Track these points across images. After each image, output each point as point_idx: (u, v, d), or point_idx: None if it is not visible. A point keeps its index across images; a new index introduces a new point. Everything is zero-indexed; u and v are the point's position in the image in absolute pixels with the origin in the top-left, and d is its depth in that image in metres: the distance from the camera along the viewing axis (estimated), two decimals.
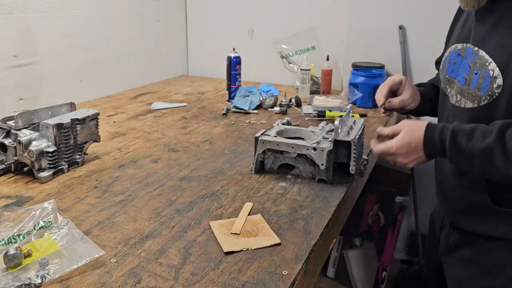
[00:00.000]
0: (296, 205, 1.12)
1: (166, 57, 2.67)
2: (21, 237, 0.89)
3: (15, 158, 1.25)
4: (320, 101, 2.04)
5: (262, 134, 1.31)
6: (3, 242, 0.87)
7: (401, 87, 1.25)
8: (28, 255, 0.85)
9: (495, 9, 0.99)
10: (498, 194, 1.01)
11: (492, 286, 1.05)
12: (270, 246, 0.94)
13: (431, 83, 1.34)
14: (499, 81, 0.95)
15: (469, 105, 1.03)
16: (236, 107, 1.97)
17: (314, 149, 1.22)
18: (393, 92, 1.27)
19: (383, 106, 1.25)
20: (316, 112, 1.84)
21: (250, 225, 1.02)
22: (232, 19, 2.64)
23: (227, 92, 2.12)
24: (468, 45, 1.05)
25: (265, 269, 0.86)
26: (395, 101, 1.24)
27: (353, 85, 2.06)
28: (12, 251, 0.83)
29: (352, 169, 1.23)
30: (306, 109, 1.92)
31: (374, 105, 2.03)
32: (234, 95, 2.07)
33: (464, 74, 1.03)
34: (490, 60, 0.97)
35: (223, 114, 1.92)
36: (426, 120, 1.07)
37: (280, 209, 1.10)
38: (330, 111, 1.83)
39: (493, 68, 0.96)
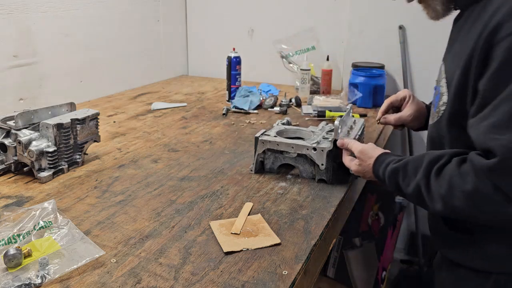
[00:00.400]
0: (296, 205, 1.12)
1: (166, 57, 2.67)
2: (21, 237, 0.89)
3: (15, 158, 1.25)
4: (320, 101, 2.04)
5: (262, 134, 1.31)
6: (3, 242, 0.87)
7: (404, 104, 1.27)
8: (28, 255, 0.85)
9: (457, 22, 0.99)
10: (451, 219, 0.99)
11: None
12: (270, 246, 0.94)
13: None
14: (445, 98, 0.95)
15: (430, 121, 1.05)
16: (236, 107, 1.97)
17: (314, 149, 1.22)
18: (398, 107, 1.30)
19: (378, 121, 1.31)
20: (316, 112, 1.84)
21: (250, 225, 1.02)
22: (232, 19, 2.64)
23: (227, 92, 2.12)
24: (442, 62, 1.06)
25: (265, 269, 0.86)
26: (390, 118, 1.27)
27: (353, 85, 2.06)
28: (12, 251, 0.83)
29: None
30: (306, 109, 1.92)
31: (374, 105, 2.03)
32: (234, 95, 2.07)
33: (434, 92, 1.05)
34: (444, 75, 0.97)
35: (223, 114, 1.92)
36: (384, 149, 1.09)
37: (280, 209, 1.10)
38: (330, 111, 1.83)
39: (443, 84, 0.96)
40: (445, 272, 1.05)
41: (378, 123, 1.33)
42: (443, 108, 0.96)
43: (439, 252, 1.10)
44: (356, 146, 1.13)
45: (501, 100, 0.78)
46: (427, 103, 1.27)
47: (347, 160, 1.17)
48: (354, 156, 1.14)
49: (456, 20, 1.02)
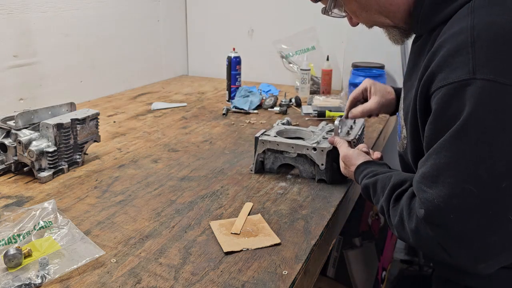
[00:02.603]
0: (296, 205, 1.12)
1: (166, 57, 2.67)
2: (21, 237, 0.90)
3: (15, 158, 1.25)
4: (320, 101, 2.04)
5: (262, 134, 1.31)
6: (3, 242, 0.87)
7: (368, 94, 1.27)
8: (28, 255, 0.85)
9: (417, 44, 0.96)
10: None
11: None
12: (270, 246, 0.94)
13: None
14: (404, 131, 0.95)
15: (397, 147, 1.05)
16: (236, 107, 1.97)
17: (314, 149, 1.22)
18: (365, 99, 1.29)
19: (346, 117, 1.30)
20: (316, 112, 1.84)
21: (250, 225, 1.02)
22: (232, 19, 2.64)
23: (227, 92, 2.12)
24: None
25: (265, 269, 0.86)
26: (356, 110, 1.27)
27: (353, 85, 2.05)
28: (12, 251, 0.83)
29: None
30: (306, 109, 1.92)
31: None
32: (234, 95, 2.07)
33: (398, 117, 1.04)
34: (402, 106, 0.97)
35: (223, 114, 1.92)
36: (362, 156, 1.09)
37: (280, 209, 1.10)
38: (330, 111, 1.84)
39: (401, 115, 0.96)
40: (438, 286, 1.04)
41: (346, 118, 1.31)
42: (405, 141, 0.95)
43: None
44: (342, 149, 1.14)
45: (432, 151, 0.77)
46: None
47: (341, 160, 1.18)
48: None
49: (413, 43, 1.00)
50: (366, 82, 1.28)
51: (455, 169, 0.73)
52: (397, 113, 1.03)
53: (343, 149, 1.14)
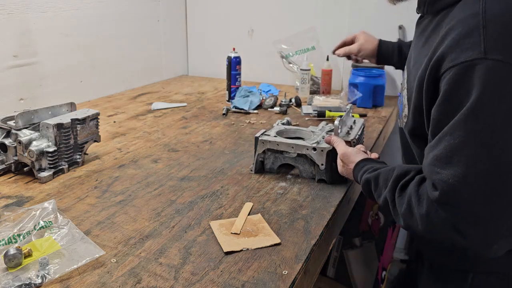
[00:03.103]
0: (296, 205, 1.12)
1: (166, 57, 2.67)
2: (21, 237, 0.90)
3: (15, 158, 1.25)
4: (320, 101, 2.04)
5: (262, 134, 1.31)
6: (3, 242, 0.87)
7: (356, 40, 1.53)
8: (28, 255, 0.85)
9: (419, 26, 1.00)
10: None
11: None
12: (270, 246, 0.94)
13: None
14: (406, 110, 0.98)
15: (400, 124, 1.10)
16: (236, 107, 1.97)
17: (314, 149, 1.22)
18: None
19: (333, 52, 1.60)
20: (316, 112, 1.84)
21: (250, 225, 1.02)
22: (232, 19, 2.64)
23: (227, 92, 2.12)
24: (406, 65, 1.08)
25: (265, 269, 0.86)
26: (339, 50, 1.56)
27: (353, 85, 2.05)
28: (12, 251, 0.83)
29: None
30: (306, 109, 1.91)
31: (374, 105, 2.03)
32: (234, 95, 2.07)
33: (399, 95, 1.10)
34: (406, 85, 1.00)
35: (223, 114, 1.92)
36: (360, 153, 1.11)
37: (280, 209, 1.10)
38: (330, 111, 1.83)
39: (405, 95, 0.99)
40: (425, 272, 1.07)
41: (333, 53, 1.61)
42: (405, 119, 0.99)
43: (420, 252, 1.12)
44: (340, 148, 1.15)
45: (444, 133, 0.79)
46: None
47: (338, 160, 1.18)
48: None
49: (418, 23, 1.04)
50: (354, 34, 1.51)
51: (469, 148, 0.75)
52: (399, 93, 1.07)
53: (341, 147, 1.15)
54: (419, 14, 1.04)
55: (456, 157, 0.76)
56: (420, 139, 0.95)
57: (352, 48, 1.45)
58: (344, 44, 1.52)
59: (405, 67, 1.05)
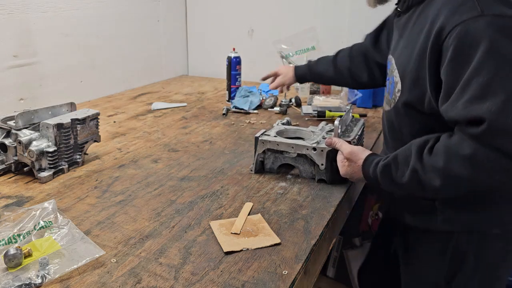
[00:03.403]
0: (296, 205, 1.12)
1: (166, 57, 2.67)
2: (21, 237, 0.90)
3: (15, 158, 1.25)
4: (320, 101, 2.04)
5: (262, 134, 1.31)
6: (4, 242, 0.87)
7: (278, 74, 1.78)
8: (28, 255, 0.85)
9: (404, 16, 1.10)
10: None
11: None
12: (270, 246, 0.94)
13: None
14: (399, 86, 1.06)
15: (387, 108, 1.16)
16: (236, 107, 1.97)
17: (314, 149, 1.22)
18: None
19: (263, 79, 1.86)
20: (316, 112, 1.84)
21: (250, 225, 1.02)
22: (232, 19, 2.64)
23: (227, 92, 2.12)
24: (389, 55, 1.17)
25: (265, 269, 0.86)
26: (270, 86, 1.80)
27: None
28: (12, 251, 0.83)
29: None
30: (306, 109, 1.92)
31: (374, 105, 2.03)
32: (234, 95, 2.07)
33: (387, 81, 1.17)
34: (395, 67, 1.08)
35: (223, 114, 1.92)
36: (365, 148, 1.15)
37: (280, 209, 1.10)
38: (330, 111, 1.84)
39: (396, 75, 1.07)
40: (411, 240, 1.17)
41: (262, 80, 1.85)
42: (398, 94, 1.07)
43: (401, 226, 1.20)
44: (345, 147, 1.15)
45: (468, 79, 0.86)
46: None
47: (339, 160, 1.19)
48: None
49: (396, 22, 1.15)
50: (278, 68, 1.79)
51: (500, 79, 0.83)
52: (387, 78, 1.16)
53: (346, 146, 1.15)
54: (396, 14, 1.16)
55: (490, 90, 0.83)
56: (412, 109, 1.04)
57: (277, 82, 1.75)
58: (269, 77, 1.80)
59: (389, 56, 1.16)
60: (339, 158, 1.18)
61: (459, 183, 0.91)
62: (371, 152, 1.12)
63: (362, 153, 1.11)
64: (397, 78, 1.07)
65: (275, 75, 1.78)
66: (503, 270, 1.11)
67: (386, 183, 1.02)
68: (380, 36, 1.46)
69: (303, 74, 1.70)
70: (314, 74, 1.66)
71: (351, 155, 1.12)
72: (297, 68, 1.71)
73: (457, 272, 1.08)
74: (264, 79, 1.82)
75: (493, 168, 0.86)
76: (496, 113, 0.82)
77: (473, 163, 0.87)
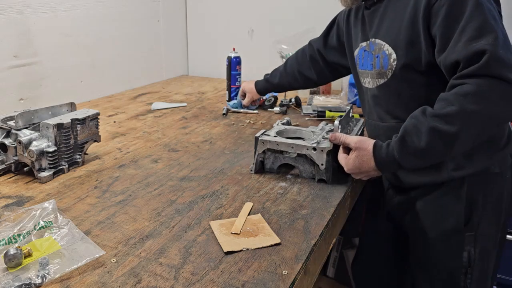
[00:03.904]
0: (296, 205, 1.12)
1: (166, 57, 2.67)
2: (21, 237, 0.90)
3: (16, 158, 1.25)
4: (320, 101, 2.04)
5: (262, 134, 1.31)
6: (3, 242, 0.87)
7: (245, 93, 1.92)
8: (28, 255, 0.85)
9: (380, 5, 1.23)
10: None
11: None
12: (270, 246, 0.94)
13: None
14: (393, 56, 1.18)
15: (381, 81, 1.24)
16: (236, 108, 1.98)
17: (314, 149, 1.22)
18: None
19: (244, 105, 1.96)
20: (316, 112, 1.84)
21: (250, 225, 1.02)
22: (232, 19, 2.64)
23: (227, 92, 2.12)
24: (369, 40, 1.27)
25: (265, 269, 0.86)
26: (244, 103, 1.93)
27: (352, 85, 2.06)
28: (12, 251, 0.83)
29: None
30: (306, 109, 1.92)
31: None
32: (234, 95, 2.07)
33: (371, 61, 1.26)
34: (384, 43, 1.20)
35: (223, 114, 1.92)
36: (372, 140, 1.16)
37: (280, 209, 1.10)
38: (330, 111, 1.84)
39: (387, 48, 1.19)
40: (419, 198, 1.24)
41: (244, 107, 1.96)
42: (394, 63, 1.18)
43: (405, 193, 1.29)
44: (351, 138, 1.17)
45: (465, 24, 1.02)
46: None
47: (340, 158, 1.19)
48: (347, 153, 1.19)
49: (368, 13, 1.27)
50: (242, 85, 1.94)
51: (489, 19, 1.01)
52: (377, 56, 1.25)
53: (353, 137, 1.16)
54: (365, 7, 1.28)
55: (485, 30, 1.00)
56: (410, 71, 1.16)
57: (248, 100, 1.91)
58: (243, 97, 1.94)
59: (369, 40, 1.27)
60: (342, 155, 1.18)
61: (477, 121, 1.02)
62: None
63: (369, 140, 1.14)
64: (389, 50, 1.19)
65: (244, 93, 1.93)
66: (506, 204, 1.23)
67: (405, 157, 1.07)
68: (328, 38, 1.62)
69: (263, 88, 1.86)
70: (272, 85, 1.82)
71: (360, 144, 1.13)
72: (257, 83, 1.87)
73: (472, 213, 1.18)
74: (245, 105, 1.95)
75: (500, 96, 0.99)
76: (495, 45, 0.98)
77: (480, 97, 0.99)
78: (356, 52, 1.36)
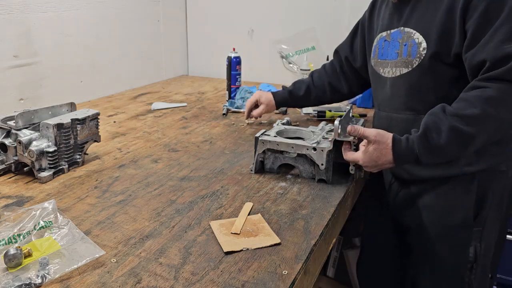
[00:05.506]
0: (296, 205, 1.12)
1: (166, 57, 2.67)
2: (21, 237, 0.90)
3: (16, 158, 1.25)
4: None
5: (262, 134, 1.31)
6: (4, 242, 0.87)
7: (259, 102, 1.70)
8: (29, 255, 0.85)
9: (408, 1, 1.24)
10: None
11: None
12: (270, 246, 0.94)
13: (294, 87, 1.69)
14: (424, 44, 1.18)
15: (404, 70, 1.24)
16: (237, 107, 1.98)
17: (314, 149, 1.22)
18: (257, 105, 1.72)
19: (247, 119, 1.79)
20: (316, 112, 1.84)
21: (250, 225, 1.02)
22: (232, 19, 2.64)
23: (227, 92, 2.12)
24: (392, 30, 1.28)
25: (265, 269, 0.86)
26: (254, 113, 1.71)
27: None
28: (12, 251, 0.83)
29: (352, 169, 1.23)
30: (306, 109, 1.92)
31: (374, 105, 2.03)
32: (234, 95, 2.07)
33: (396, 50, 1.26)
34: (414, 31, 1.21)
35: (223, 114, 1.92)
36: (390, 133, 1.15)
37: (280, 209, 1.10)
38: (330, 111, 1.84)
39: (418, 37, 1.20)
40: (429, 190, 1.25)
41: (247, 123, 1.79)
42: (424, 51, 1.18)
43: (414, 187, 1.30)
44: (370, 131, 1.15)
45: (498, 25, 1.03)
46: None
47: (352, 154, 1.18)
48: (354, 151, 1.19)
49: (398, 5, 1.27)
50: (256, 96, 1.70)
51: None
52: (405, 44, 1.25)
53: (371, 130, 1.15)
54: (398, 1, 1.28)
55: None
56: (438, 61, 1.16)
57: (262, 112, 1.70)
58: (250, 109, 1.71)
59: (399, 28, 1.26)
60: (348, 153, 1.18)
61: (494, 125, 1.05)
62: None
63: (387, 133, 1.13)
64: (419, 39, 1.19)
65: (257, 102, 1.72)
66: (506, 202, 1.26)
67: (425, 153, 1.08)
68: (354, 41, 1.57)
69: (283, 100, 1.70)
70: (297, 98, 1.67)
71: (380, 137, 1.12)
72: (276, 95, 1.70)
73: (481, 208, 1.20)
74: (248, 117, 1.74)
75: None
76: None
77: (500, 102, 1.02)
78: (375, 42, 1.37)
